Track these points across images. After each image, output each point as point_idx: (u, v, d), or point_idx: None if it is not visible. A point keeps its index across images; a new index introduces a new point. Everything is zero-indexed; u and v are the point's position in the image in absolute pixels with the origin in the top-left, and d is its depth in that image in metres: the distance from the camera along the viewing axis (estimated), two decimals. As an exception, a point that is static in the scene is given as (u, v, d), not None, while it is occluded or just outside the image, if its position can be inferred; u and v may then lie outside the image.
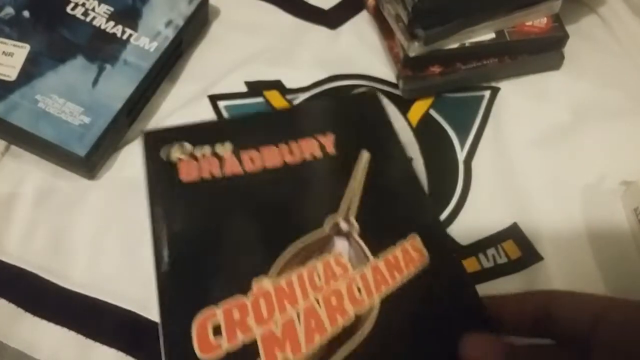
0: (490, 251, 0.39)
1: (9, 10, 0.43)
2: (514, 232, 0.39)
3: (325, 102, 0.35)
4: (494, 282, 0.38)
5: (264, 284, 0.23)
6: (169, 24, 0.45)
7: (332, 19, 0.49)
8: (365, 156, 0.30)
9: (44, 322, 0.35)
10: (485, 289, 0.38)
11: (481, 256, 0.39)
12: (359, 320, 0.23)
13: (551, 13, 0.45)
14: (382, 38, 0.47)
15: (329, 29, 0.49)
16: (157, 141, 0.30)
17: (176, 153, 0.29)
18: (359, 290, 0.24)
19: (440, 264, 0.26)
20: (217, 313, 0.22)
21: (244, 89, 0.45)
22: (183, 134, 0.30)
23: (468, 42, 0.44)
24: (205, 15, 0.48)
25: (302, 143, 0.30)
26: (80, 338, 0.35)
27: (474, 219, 0.40)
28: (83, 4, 0.44)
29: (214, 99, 0.45)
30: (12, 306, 0.36)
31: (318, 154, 0.29)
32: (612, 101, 0.45)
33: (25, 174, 0.41)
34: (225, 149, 0.29)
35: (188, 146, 0.29)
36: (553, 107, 0.45)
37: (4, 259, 0.37)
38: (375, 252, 0.26)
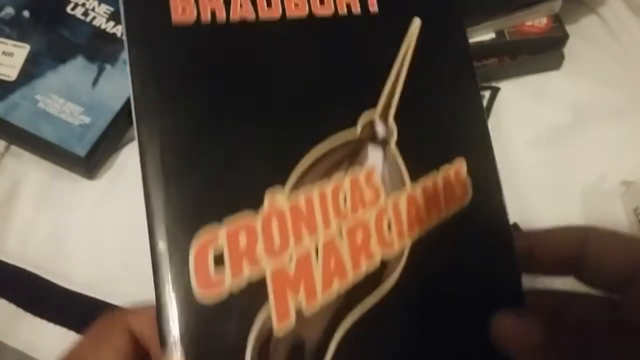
0: (490, 251, 0.39)
1: (9, 10, 0.43)
2: (514, 232, 0.39)
3: None
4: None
5: (278, 199, 0.18)
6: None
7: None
8: (415, 25, 0.22)
9: (44, 322, 0.35)
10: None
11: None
12: (384, 268, 0.19)
13: (551, 13, 0.45)
14: (382, 38, 0.47)
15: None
16: None
17: None
18: (389, 226, 0.19)
19: (483, 207, 0.22)
20: (219, 236, 0.17)
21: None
22: None
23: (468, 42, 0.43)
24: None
25: None
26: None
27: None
28: (83, 4, 0.44)
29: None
30: (12, 306, 0.36)
31: (356, 8, 0.22)
32: (612, 101, 0.45)
33: (25, 174, 0.41)
34: None
35: None
36: (553, 107, 0.45)
37: (3, 259, 0.37)
38: (414, 174, 0.20)
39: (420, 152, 0.21)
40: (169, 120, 0.18)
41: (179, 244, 0.17)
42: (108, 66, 0.42)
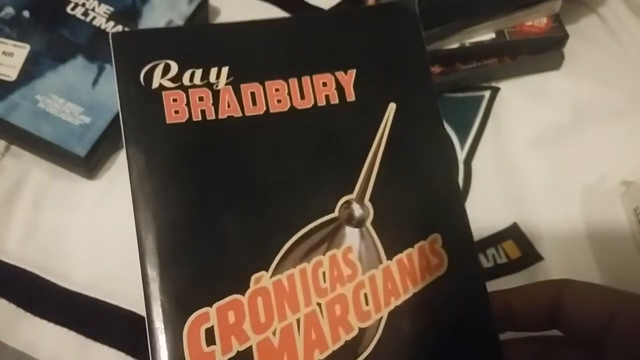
0: (490, 251, 0.39)
1: (9, 10, 0.43)
2: (513, 232, 0.39)
3: (350, 18, 0.25)
4: (494, 282, 0.38)
5: (264, 281, 0.20)
6: (169, 24, 0.45)
7: (332, 19, 0.49)
8: (391, 111, 0.23)
9: (44, 322, 0.35)
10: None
11: (481, 256, 0.39)
12: (362, 337, 0.20)
13: (551, 13, 0.45)
14: (382, 38, 0.47)
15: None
16: (135, 54, 0.23)
17: (159, 77, 0.22)
18: (366, 299, 0.21)
19: (459, 276, 0.22)
20: (210, 316, 0.19)
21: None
22: (168, 47, 0.23)
23: (468, 42, 0.43)
24: (206, 15, 0.48)
25: (317, 80, 0.23)
26: (80, 338, 0.35)
27: (473, 219, 0.39)
28: (83, 4, 0.44)
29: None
30: (12, 306, 0.36)
31: (334, 99, 0.23)
32: (612, 101, 0.45)
33: (26, 174, 0.41)
34: (221, 79, 0.22)
35: (175, 67, 0.22)
36: (553, 107, 0.45)
37: (4, 259, 0.37)
38: (390, 251, 0.22)
39: (396, 230, 0.22)
40: (163, 211, 0.21)
41: (174, 324, 0.19)
42: (108, 66, 0.42)
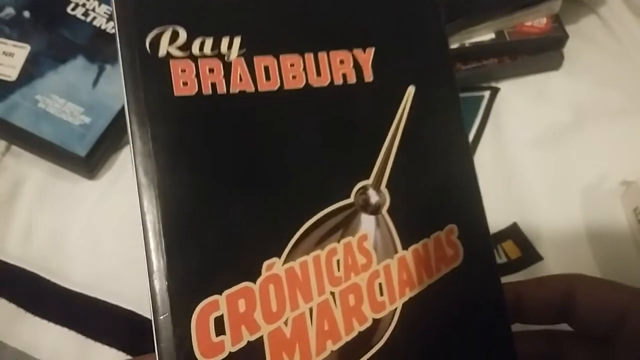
0: (490, 251, 0.39)
1: (10, 11, 0.43)
2: (513, 232, 0.39)
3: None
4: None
5: (276, 268, 0.19)
6: None
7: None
8: (410, 93, 0.22)
9: (44, 322, 0.35)
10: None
11: (481, 256, 0.39)
12: (376, 328, 0.20)
13: (551, 13, 0.45)
14: (382, 38, 0.47)
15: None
16: (140, 19, 0.21)
17: (166, 45, 0.20)
18: (380, 289, 0.20)
19: (475, 267, 0.22)
20: (220, 304, 0.18)
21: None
22: (176, 11, 0.21)
23: (468, 42, 0.43)
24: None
25: (334, 56, 0.22)
26: (80, 338, 0.35)
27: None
28: (83, 5, 0.44)
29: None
30: (12, 306, 0.36)
31: (352, 78, 0.22)
32: (611, 101, 0.45)
33: (26, 174, 0.41)
34: (233, 49, 0.21)
35: (183, 34, 0.20)
36: (553, 107, 0.45)
37: (4, 259, 0.37)
38: (405, 240, 0.21)
39: (412, 219, 0.21)
40: (169, 193, 0.19)
41: (181, 313, 0.18)
42: (108, 66, 0.42)
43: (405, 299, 0.21)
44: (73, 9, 0.44)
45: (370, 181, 0.21)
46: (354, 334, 0.20)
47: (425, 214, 0.22)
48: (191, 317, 0.18)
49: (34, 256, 0.38)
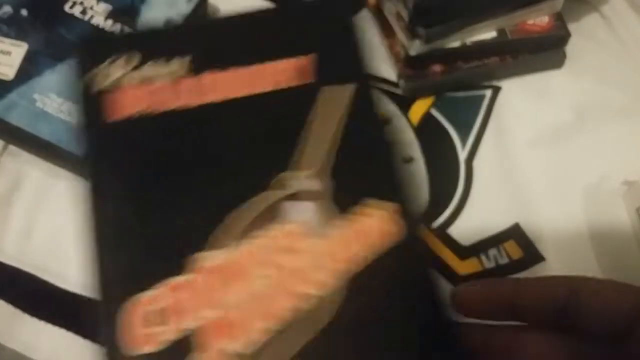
0: (492, 251, 0.39)
1: (7, 9, 0.43)
2: (515, 233, 0.39)
3: (311, 6, 0.27)
4: (496, 282, 0.38)
5: (205, 260, 0.20)
6: (168, 22, 0.44)
7: (332, 18, 0.49)
8: (349, 90, 0.24)
9: (42, 323, 0.35)
10: (486, 289, 0.37)
11: (482, 257, 0.38)
12: (319, 307, 0.20)
13: (553, 12, 0.44)
14: (382, 36, 0.47)
15: (329, 28, 0.49)
16: (98, 49, 0.24)
17: (107, 79, 0.22)
18: (320, 269, 0.21)
19: (409, 246, 0.22)
20: (153, 297, 0.19)
21: (243, 88, 0.45)
22: (132, 40, 0.24)
23: (469, 40, 0.43)
24: (205, 13, 0.48)
25: (273, 66, 0.24)
26: (79, 339, 0.35)
27: (475, 219, 0.40)
28: (81, 3, 0.44)
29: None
30: (9, 307, 0.35)
31: (290, 82, 0.24)
32: (614, 100, 0.44)
33: (24, 174, 0.41)
34: (181, 67, 0.23)
35: (119, 64, 0.23)
36: (555, 106, 0.44)
37: (1, 260, 0.37)
38: (342, 221, 0.22)
39: (351, 198, 0.22)
40: (105, 197, 0.22)
41: (117, 308, 0.19)
42: (106, 65, 0.42)
43: (347, 276, 0.21)
44: (71, 7, 0.44)
45: (297, 170, 0.23)
46: (298, 313, 0.20)
47: (365, 191, 0.23)
48: (125, 309, 0.19)
49: (31, 257, 0.37)
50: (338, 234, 0.21)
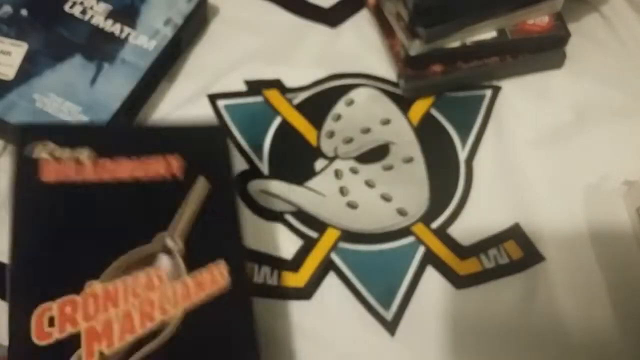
0: (492, 251, 0.39)
1: (7, 9, 0.43)
2: (515, 232, 0.39)
3: (178, 128, 0.38)
4: (496, 282, 0.38)
5: (94, 287, 0.29)
6: (167, 22, 0.44)
7: (332, 18, 0.49)
8: (202, 183, 0.33)
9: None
10: (486, 289, 0.37)
11: (482, 256, 0.38)
12: (163, 326, 0.29)
13: (553, 12, 0.44)
14: (382, 36, 0.47)
15: (329, 28, 0.49)
16: (26, 137, 0.32)
17: (41, 152, 0.31)
18: (168, 301, 0.29)
19: (236, 292, 0.31)
20: (53, 307, 0.27)
21: (243, 88, 0.45)
22: (51, 132, 0.33)
23: (469, 40, 0.43)
24: (205, 13, 0.48)
25: (151, 160, 0.33)
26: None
27: (475, 218, 0.40)
28: (81, 3, 0.44)
29: (213, 98, 0.44)
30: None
31: (165, 174, 0.33)
32: (614, 100, 0.44)
33: (23, 174, 0.41)
34: (84, 154, 0.32)
35: (51, 145, 0.32)
36: (555, 106, 0.44)
37: (0, 260, 0.37)
38: (190, 270, 0.31)
39: (196, 257, 0.31)
40: (26, 240, 0.30)
41: (27, 312, 0.27)
42: (106, 65, 0.42)
43: (185, 306, 0.30)
44: (71, 7, 0.44)
45: (168, 232, 0.31)
46: (147, 329, 0.29)
47: (206, 252, 0.32)
48: (33, 313, 0.27)
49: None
50: (183, 280, 0.30)
